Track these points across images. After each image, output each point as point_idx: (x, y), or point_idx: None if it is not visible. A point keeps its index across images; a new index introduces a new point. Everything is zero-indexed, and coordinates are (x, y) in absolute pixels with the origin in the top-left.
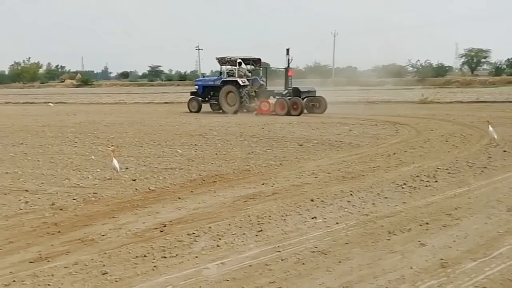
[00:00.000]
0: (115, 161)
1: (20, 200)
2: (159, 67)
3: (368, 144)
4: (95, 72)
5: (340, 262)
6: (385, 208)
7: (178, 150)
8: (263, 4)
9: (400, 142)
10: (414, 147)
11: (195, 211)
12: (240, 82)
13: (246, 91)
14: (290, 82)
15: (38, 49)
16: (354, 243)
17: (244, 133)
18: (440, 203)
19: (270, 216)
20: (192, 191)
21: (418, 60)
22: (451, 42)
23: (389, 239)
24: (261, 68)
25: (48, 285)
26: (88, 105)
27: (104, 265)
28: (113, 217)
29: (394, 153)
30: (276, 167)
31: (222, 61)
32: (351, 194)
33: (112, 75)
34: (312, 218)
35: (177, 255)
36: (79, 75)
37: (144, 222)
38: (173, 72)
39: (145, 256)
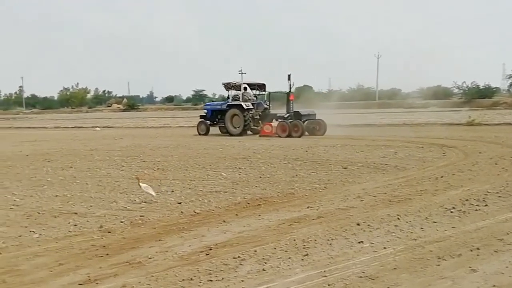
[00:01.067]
0: (143, 186)
1: (69, 223)
2: (203, 91)
3: (414, 167)
4: (140, 96)
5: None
6: (433, 233)
7: (223, 173)
8: (303, 27)
9: (447, 165)
10: (463, 170)
11: (240, 234)
12: (244, 106)
13: (250, 114)
14: (291, 106)
15: (86, 74)
16: (403, 268)
17: (287, 156)
18: (491, 227)
19: (315, 240)
20: (237, 214)
21: (464, 82)
22: (498, 62)
23: (438, 265)
24: (265, 93)
25: None
26: (134, 129)
27: None
28: (160, 240)
29: (442, 176)
30: (320, 190)
31: (228, 86)
32: (398, 218)
33: (157, 99)
34: (359, 242)
35: (223, 278)
36: (125, 99)
37: (190, 245)
38: (217, 96)
39: (191, 279)
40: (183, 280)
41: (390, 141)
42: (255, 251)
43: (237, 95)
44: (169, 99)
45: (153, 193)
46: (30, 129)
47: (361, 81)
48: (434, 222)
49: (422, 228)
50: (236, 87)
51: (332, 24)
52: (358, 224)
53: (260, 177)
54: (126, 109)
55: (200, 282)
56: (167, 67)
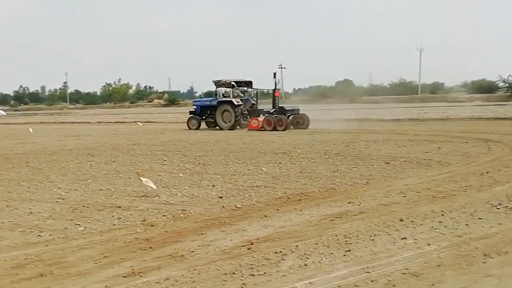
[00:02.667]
0: (144, 180)
1: (113, 216)
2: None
3: (458, 162)
4: (181, 92)
5: (433, 285)
6: (479, 230)
7: (263, 168)
8: (343, 21)
9: (493, 160)
10: (509, 165)
11: (281, 229)
12: (235, 102)
13: (240, 110)
14: (277, 102)
15: (128, 70)
16: (447, 265)
17: (328, 151)
18: None
19: (358, 236)
20: (277, 209)
21: (510, 75)
22: None
23: (484, 262)
24: (252, 89)
25: None
26: (174, 123)
27: (194, 281)
28: (202, 233)
29: (487, 172)
30: (362, 185)
31: (218, 83)
32: (443, 215)
33: (197, 94)
34: (402, 238)
35: (265, 273)
36: (166, 95)
37: (231, 239)
38: (255, 91)
39: (233, 273)
40: (225, 274)
41: (433, 136)
42: (297, 246)
43: (227, 91)
44: (209, 94)
45: (154, 186)
46: (74, 124)
47: (403, 75)
48: (480, 218)
49: (467, 224)
50: (226, 84)
51: (373, 16)
52: (401, 220)
53: (301, 172)
54: (167, 104)
55: (242, 276)
56: (207, 62)
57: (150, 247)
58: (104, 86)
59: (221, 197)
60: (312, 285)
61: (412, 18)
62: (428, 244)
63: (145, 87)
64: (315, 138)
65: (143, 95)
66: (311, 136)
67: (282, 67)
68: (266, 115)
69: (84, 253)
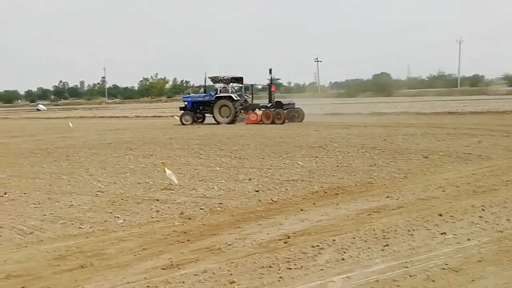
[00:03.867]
0: (168, 173)
1: (151, 209)
2: (278, 80)
3: (500, 156)
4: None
5: (473, 280)
6: None
7: (299, 162)
8: (382, 17)
9: None
10: None
11: (318, 223)
12: (234, 97)
13: (238, 105)
14: (273, 96)
15: (165, 65)
16: (488, 261)
17: (365, 145)
18: None
19: (396, 231)
20: (314, 203)
21: None
22: None
23: None
24: (243, 85)
25: None
26: (210, 117)
27: (231, 274)
28: (238, 227)
29: None
30: (400, 180)
31: (215, 79)
32: (483, 209)
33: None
34: (441, 233)
35: (302, 267)
36: (202, 89)
37: (268, 233)
38: (292, 85)
39: (270, 266)
40: (262, 267)
41: (473, 129)
42: (334, 240)
43: (225, 87)
44: (245, 88)
45: (175, 181)
46: (113, 118)
47: (442, 68)
48: None
49: (508, 219)
50: (224, 80)
51: (412, 7)
52: (441, 215)
53: (337, 166)
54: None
55: (279, 270)
56: (244, 57)
57: (188, 240)
58: (141, 80)
59: (257, 191)
60: (349, 280)
61: (452, 9)
62: (468, 239)
63: (182, 81)
64: (352, 132)
65: (179, 90)
66: (348, 130)
67: (318, 61)
68: (263, 109)
69: (124, 245)
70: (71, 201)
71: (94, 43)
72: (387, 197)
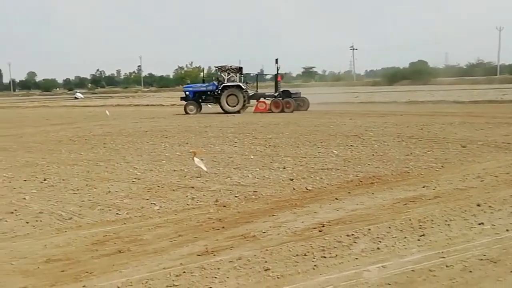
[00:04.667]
0: (197, 161)
1: (187, 196)
2: (313, 68)
3: None
4: (251, 74)
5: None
6: None
7: (334, 151)
8: (419, 3)
9: None
10: None
11: (353, 212)
12: (243, 86)
13: (246, 94)
14: (279, 86)
15: (200, 53)
16: None
17: (401, 134)
18: None
19: (432, 221)
20: (349, 192)
21: None
22: None
23: None
24: (242, 75)
25: (215, 277)
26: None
27: (266, 262)
28: (273, 215)
29: None
30: (437, 169)
31: (222, 69)
32: None
33: (267, 77)
34: (479, 224)
35: (336, 255)
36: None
37: (302, 221)
38: (327, 73)
39: (305, 255)
40: (297, 255)
41: None
42: (369, 229)
43: (233, 76)
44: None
45: (205, 168)
46: (148, 106)
47: (480, 56)
48: None
49: None
50: (232, 70)
51: None
52: (478, 205)
53: (373, 155)
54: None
55: (314, 258)
56: (278, 45)
57: (223, 227)
58: (176, 69)
59: (291, 179)
60: (385, 269)
61: None
62: (507, 230)
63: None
64: (388, 121)
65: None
66: (384, 118)
67: (354, 48)
68: (268, 98)
69: (160, 231)
70: (108, 188)
71: (131, 32)
72: (423, 187)
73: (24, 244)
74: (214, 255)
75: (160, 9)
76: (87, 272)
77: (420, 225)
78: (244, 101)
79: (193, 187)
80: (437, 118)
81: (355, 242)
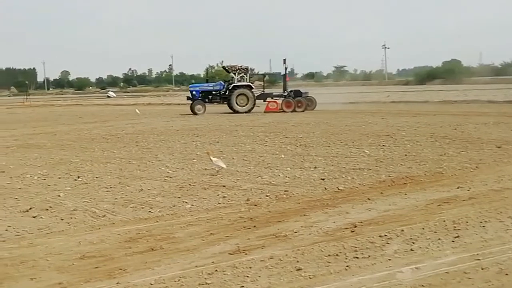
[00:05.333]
0: (214, 160)
1: (218, 195)
2: (344, 67)
3: None
4: (281, 74)
5: None
6: None
7: (366, 151)
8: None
9: None
10: None
11: (385, 213)
12: (253, 86)
13: (255, 93)
14: (287, 86)
15: (230, 51)
16: None
17: (435, 134)
18: None
19: (467, 222)
20: (381, 193)
21: None
22: None
23: None
24: (249, 75)
25: (247, 276)
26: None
27: (297, 261)
28: (304, 215)
29: None
30: (472, 170)
31: (233, 69)
32: None
33: (297, 76)
34: None
35: (369, 256)
36: (266, 76)
37: (334, 221)
38: (358, 72)
39: (337, 255)
40: (329, 255)
41: None
42: (402, 230)
43: (243, 76)
44: (310, 76)
45: (224, 165)
46: (180, 105)
47: None
48: None
49: None
50: (242, 70)
51: None
52: None
53: (406, 155)
54: (267, 86)
55: (346, 259)
56: (308, 44)
57: (254, 226)
58: (207, 68)
59: (323, 179)
60: (418, 271)
61: None
62: None
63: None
64: (420, 120)
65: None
66: (416, 118)
67: (385, 47)
68: (275, 98)
69: (192, 229)
70: (141, 186)
71: (162, 31)
72: (458, 188)
73: (59, 241)
74: (246, 254)
75: (190, 10)
76: (120, 269)
77: (455, 227)
78: (255, 99)
79: (224, 186)
80: (471, 118)
81: (388, 243)
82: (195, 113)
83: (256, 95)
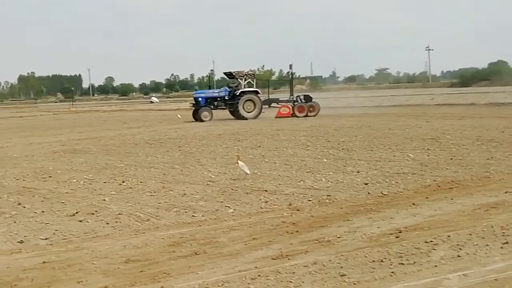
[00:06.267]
0: (241, 164)
1: (260, 200)
2: (387, 70)
3: None
4: (323, 77)
5: None
6: None
7: (410, 154)
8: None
9: None
10: None
11: (431, 218)
12: (260, 91)
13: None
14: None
15: (270, 56)
16: None
17: (481, 137)
18: None
19: None
20: (427, 197)
21: None
22: None
23: None
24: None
25: (290, 282)
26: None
27: (341, 267)
28: (348, 220)
29: None
30: None
31: (240, 74)
32: None
33: (339, 79)
34: None
35: (415, 262)
36: (308, 80)
37: (378, 227)
38: (401, 74)
39: (381, 261)
40: (373, 261)
41: None
42: (449, 236)
43: (250, 82)
44: (351, 79)
45: (248, 171)
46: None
47: None
48: None
49: None
50: (249, 75)
51: None
52: None
53: (451, 159)
54: (309, 90)
55: (391, 265)
56: (349, 47)
57: (297, 231)
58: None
59: (366, 184)
60: (466, 278)
61: None
62: None
63: (288, 73)
64: (466, 123)
65: (285, 81)
66: (462, 121)
67: (429, 49)
68: (281, 103)
69: (234, 234)
70: (184, 190)
71: (203, 37)
72: (505, 192)
73: (105, 244)
74: (289, 259)
75: (230, 15)
76: (164, 273)
77: (503, 232)
78: (262, 105)
79: (266, 190)
80: None
81: (434, 249)
82: (201, 120)
83: (262, 100)
